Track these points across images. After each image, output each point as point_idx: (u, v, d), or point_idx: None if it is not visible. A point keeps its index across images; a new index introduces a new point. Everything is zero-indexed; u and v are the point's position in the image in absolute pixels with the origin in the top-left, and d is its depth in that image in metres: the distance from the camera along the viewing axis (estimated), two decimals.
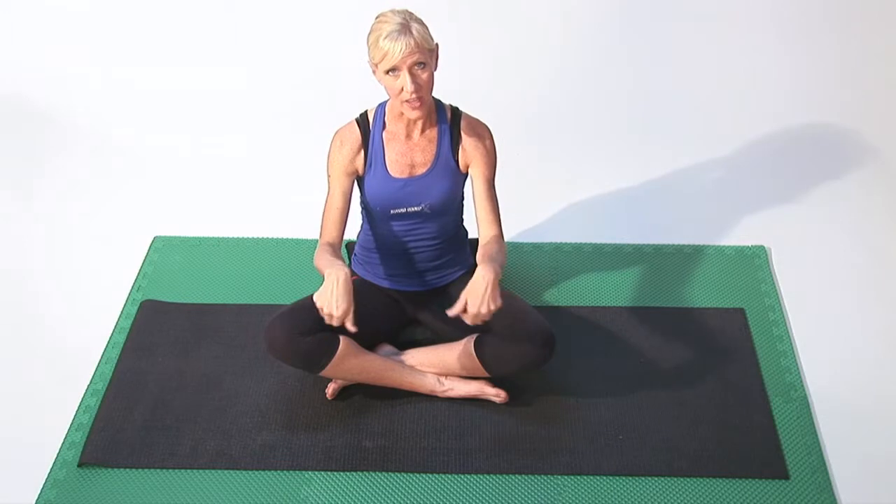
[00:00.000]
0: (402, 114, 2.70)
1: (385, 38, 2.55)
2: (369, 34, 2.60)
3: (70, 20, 4.24)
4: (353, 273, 3.04)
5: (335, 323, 2.57)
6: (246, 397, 2.90)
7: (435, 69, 2.66)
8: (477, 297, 2.57)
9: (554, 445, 2.76)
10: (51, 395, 2.93)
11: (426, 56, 2.59)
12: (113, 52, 4.23)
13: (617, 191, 3.75)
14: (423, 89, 2.62)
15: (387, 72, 2.60)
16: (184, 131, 4.04)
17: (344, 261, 2.72)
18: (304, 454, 2.75)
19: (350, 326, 2.58)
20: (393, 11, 2.60)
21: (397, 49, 2.54)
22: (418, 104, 2.64)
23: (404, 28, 2.55)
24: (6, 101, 4.15)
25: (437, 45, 2.64)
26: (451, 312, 2.61)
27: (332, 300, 2.56)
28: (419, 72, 2.59)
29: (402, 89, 2.60)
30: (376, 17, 2.61)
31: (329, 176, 2.82)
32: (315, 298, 2.59)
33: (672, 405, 2.86)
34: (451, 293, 2.95)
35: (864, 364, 3.02)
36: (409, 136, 2.78)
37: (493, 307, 2.58)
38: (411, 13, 2.61)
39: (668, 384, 2.93)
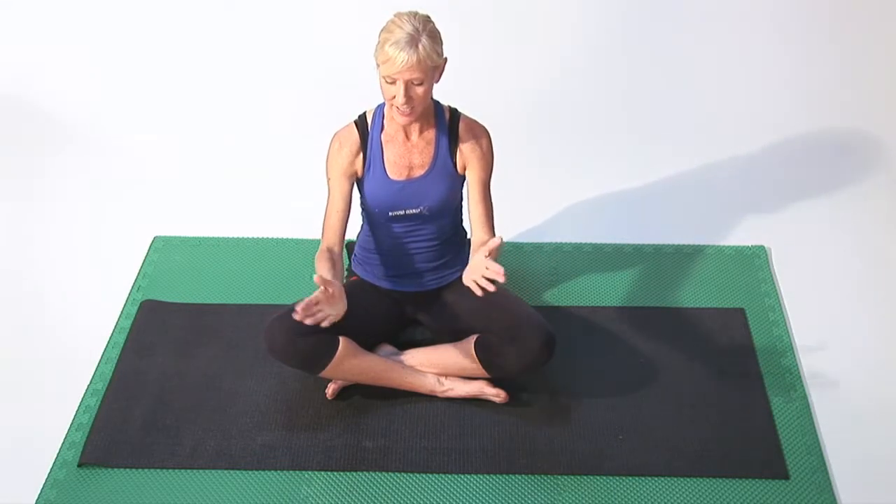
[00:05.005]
0: None
1: (391, 44, 2.54)
2: (382, 30, 2.59)
3: (70, 20, 4.24)
4: (352, 273, 3.04)
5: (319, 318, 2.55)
6: (246, 397, 2.90)
7: (437, 80, 2.65)
8: (478, 272, 2.52)
9: (554, 445, 2.76)
10: (51, 395, 2.93)
11: (426, 74, 2.57)
12: (113, 52, 4.23)
13: (617, 191, 3.75)
14: (414, 102, 2.61)
15: (384, 77, 2.59)
16: (184, 131, 4.04)
17: (343, 270, 2.73)
18: (304, 454, 2.75)
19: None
20: (409, 16, 2.57)
21: (398, 61, 2.53)
22: (407, 112, 2.64)
23: (412, 41, 2.53)
24: (6, 101, 4.15)
25: (445, 59, 2.63)
26: (479, 293, 2.53)
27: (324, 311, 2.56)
28: (414, 86, 2.59)
29: (395, 97, 2.60)
30: (394, 15, 2.59)
31: (329, 178, 2.82)
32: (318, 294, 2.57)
33: (672, 405, 2.86)
34: (450, 294, 2.95)
35: (864, 364, 3.02)
36: (407, 137, 2.78)
37: (493, 270, 2.48)
38: (427, 23, 2.57)
39: (668, 384, 2.93)
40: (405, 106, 2.61)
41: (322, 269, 2.67)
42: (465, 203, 2.95)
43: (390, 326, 2.99)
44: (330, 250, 2.76)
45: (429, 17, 2.60)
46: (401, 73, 2.55)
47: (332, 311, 2.57)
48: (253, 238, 3.52)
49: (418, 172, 2.79)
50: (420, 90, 2.60)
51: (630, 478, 2.68)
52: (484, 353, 2.79)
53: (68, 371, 3.00)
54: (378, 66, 2.60)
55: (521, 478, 2.69)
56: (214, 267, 3.39)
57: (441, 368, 2.86)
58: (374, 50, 2.60)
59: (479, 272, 2.53)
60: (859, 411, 2.87)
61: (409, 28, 2.54)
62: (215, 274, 3.36)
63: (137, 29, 4.24)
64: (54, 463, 2.73)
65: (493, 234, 2.83)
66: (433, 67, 2.59)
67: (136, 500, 2.64)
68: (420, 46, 2.53)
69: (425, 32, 2.55)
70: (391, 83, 2.59)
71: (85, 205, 3.71)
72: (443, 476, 2.70)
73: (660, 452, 2.74)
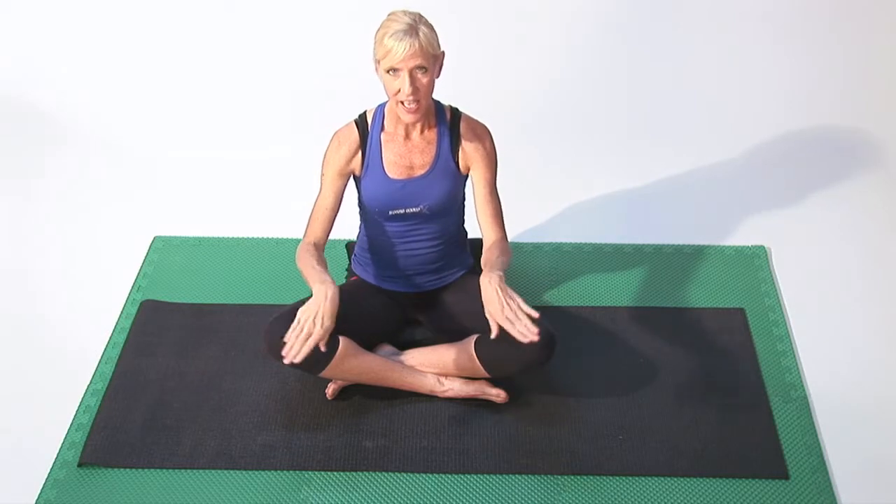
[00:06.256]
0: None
1: (391, 36, 2.55)
2: (377, 30, 2.60)
3: (71, 20, 4.24)
4: (352, 273, 3.04)
5: (311, 341, 2.53)
6: (246, 397, 2.90)
7: (437, 76, 2.66)
8: (497, 307, 2.55)
9: (554, 445, 2.76)
10: (51, 395, 2.93)
11: (429, 61, 2.58)
12: (113, 52, 4.23)
13: (617, 191, 3.75)
14: (420, 93, 2.61)
15: (387, 70, 2.59)
16: (184, 132, 4.04)
17: (327, 267, 2.71)
18: (304, 454, 2.75)
19: (322, 346, 2.56)
20: (405, 12, 2.59)
21: (400, 49, 2.54)
22: (414, 107, 2.63)
23: (411, 29, 2.54)
24: (6, 101, 4.15)
25: (443, 52, 2.64)
26: (494, 335, 2.57)
27: (318, 318, 2.55)
28: (419, 76, 2.59)
29: (399, 90, 2.60)
30: (388, 15, 2.60)
31: (323, 175, 2.82)
32: (300, 312, 2.56)
33: (672, 405, 2.86)
34: (450, 295, 2.95)
35: (864, 364, 3.02)
36: (407, 137, 2.78)
37: (515, 304, 2.54)
38: (422, 16, 2.59)
39: (668, 384, 2.93)
40: (411, 97, 2.60)
41: (306, 264, 2.67)
42: (468, 204, 2.95)
43: (390, 326, 2.99)
44: (315, 245, 2.76)
45: (421, 13, 2.61)
46: (404, 60, 2.55)
47: (321, 325, 2.55)
48: (253, 238, 3.52)
49: (419, 172, 2.79)
50: (424, 80, 2.60)
51: (630, 478, 2.69)
52: (484, 353, 2.79)
53: (68, 371, 3.00)
54: (379, 63, 2.60)
55: (521, 478, 2.69)
56: (214, 267, 3.39)
57: (441, 368, 2.86)
58: (373, 49, 2.60)
59: (502, 309, 2.53)
60: (859, 411, 2.87)
61: (406, 19, 2.56)
62: (215, 274, 3.36)
63: (137, 29, 4.24)
64: (54, 463, 2.73)
65: (504, 233, 2.83)
66: (434, 56, 2.60)
67: (136, 500, 2.64)
68: (420, 34, 2.55)
69: (422, 23, 2.58)
70: (395, 76, 2.59)
71: (85, 205, 3.71)
72: (443, 476, 2.70)
73: (660, 452, 2.74)
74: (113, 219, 3.64)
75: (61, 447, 2.78)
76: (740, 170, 3.85)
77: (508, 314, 2.54)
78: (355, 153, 2.79)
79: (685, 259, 3.40)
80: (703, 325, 3.13)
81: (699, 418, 2.83)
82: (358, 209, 2.93)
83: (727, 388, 2.91)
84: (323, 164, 2.82)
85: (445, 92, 2.85)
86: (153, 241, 3.50)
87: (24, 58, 4.23)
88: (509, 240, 3.36)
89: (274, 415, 2.85)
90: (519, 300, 2.56)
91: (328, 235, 2.82)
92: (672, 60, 4.19)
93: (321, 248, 2.78)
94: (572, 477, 2.69)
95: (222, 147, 3.97)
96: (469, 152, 2.80)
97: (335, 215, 2.82)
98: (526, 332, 2.52)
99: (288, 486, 2.68)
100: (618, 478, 2.68)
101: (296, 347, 2.53)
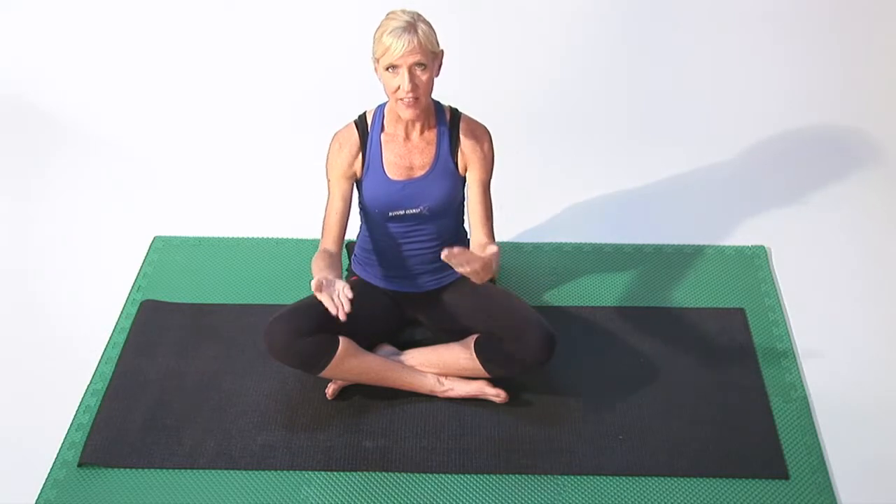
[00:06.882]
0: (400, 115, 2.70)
1: (389, 33, 2.55)
2: (376, 29, 2.60)
3: (70, 20, 4.24)
4: (352, 273, 3.04)
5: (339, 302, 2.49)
6: (246, 397, 2.90)
7: (436, 75, 2.66)
8: (476, 261, 2.47)
9: (554, 445, 2.76)
10: (51, 395, 2.93)
11: (427, 58, 2.58)
12: (113, 52, 4.23)
13: (617, 191, 3.75)
14: (419, 90, 2.61)
15: (387, 68, 2.59)
16: (184, 131, 4.04)
17: (341, 271, 2.71)
18: (304, 454, 2.75)
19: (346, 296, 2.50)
20: (403, 10, 2.60)
21: (399, 46, 2.54)
22: (413, 104, 2.63)
23: (410, 27, 2.55)
24: (6, 101, 4.15)
25: (441, 51, 2.64)
26: (453, 249, 2.48)
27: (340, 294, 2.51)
28: (418, 72, 2.59)
29: (399, 87, 2.60)
30: (386, 15, 2.61)
31: (328, 180, 2.82)
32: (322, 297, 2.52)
33: (672, 405, 2.86)
34: (450, 295, 2.95)
35: (864, 364, 3.02)
36: (407, 137, 2.78)
37: (468, 268, 2.46)
38: (421, 15, 2.60)
39: (668, 384, 2.93)
40: (410, 94, 2.60)
41: (317, 272, 2.66)
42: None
43: (390, 326, 2.99)
44: (327, 252, 2.76)
45: (420, 13, 2.61)
46: (403, 56, 2.55)
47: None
48: (253, 238, 3.52)
49: (419, 173, 2.79)
50: (424, 76, 2.60)
51: (630, 478, 2.68)
52: (484, 353, 2.79)
53: (68, 371, 3.00)
54: (378, 62, 2.60)
55: (521, 478, 2.69)
56: (214, 267, 3.39)
57: (441, 368, 2.86)
58: (372, 48, 2.61)
59: (476, 265, 2.48)
60: (859, 411, 2.87)
61: (405, 17, 2.57)
62: (215, 274, 3.36)
63: (137, 28, 4.25)
64: (54, 463, 2.73)
65: (492, 236, 2.82)
66: (433, 53, 2.60)
67: (136, 500, 2.64)
68: (419, 31, 2.56)
69: (420, 20, 2.59)
70: (394, 73, 2.59)
71: (85, 205, 3.71)
72: (443, 476, 2.70)
73: (660, 452, 2.74)
74: (113, 219, 3.64)
75: (61, 447, 2.78)
76: (740, 170, 3.85)
77: (469, 266, 2.46)
78: (356, 155, 2.79)
79: (685, 259, 3.40)
80: (703, 325, 3.12)
81: (699, 418, 2.82)
82: (358, 209, 2.93)
83: (727, 388, 2.91)
84: (327, 169, 2.82)
85: (445, 92, 2.85)
86: (153, 241, 3.50)
87: (24, 58, 4.23)
88: (509, 239, 3.39)
89: (274, 415, 2.85)
90: (480, 273, 2.49)
91: (342, 239, 2.81)
92: (672, 60, 4.19)
93: (334, 253, 2.76)
94: (572, 477, 2.69)
95: (222, 147, 3.97)
96: (467, 153, 2.80)
97: (346, 218, 2.81)
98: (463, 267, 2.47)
99: (288, 486, 2.68)
100: (618, 478, 2.68)
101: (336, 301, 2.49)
